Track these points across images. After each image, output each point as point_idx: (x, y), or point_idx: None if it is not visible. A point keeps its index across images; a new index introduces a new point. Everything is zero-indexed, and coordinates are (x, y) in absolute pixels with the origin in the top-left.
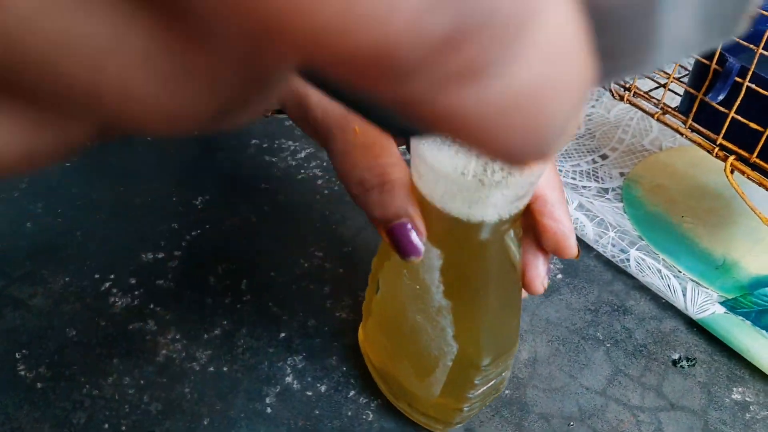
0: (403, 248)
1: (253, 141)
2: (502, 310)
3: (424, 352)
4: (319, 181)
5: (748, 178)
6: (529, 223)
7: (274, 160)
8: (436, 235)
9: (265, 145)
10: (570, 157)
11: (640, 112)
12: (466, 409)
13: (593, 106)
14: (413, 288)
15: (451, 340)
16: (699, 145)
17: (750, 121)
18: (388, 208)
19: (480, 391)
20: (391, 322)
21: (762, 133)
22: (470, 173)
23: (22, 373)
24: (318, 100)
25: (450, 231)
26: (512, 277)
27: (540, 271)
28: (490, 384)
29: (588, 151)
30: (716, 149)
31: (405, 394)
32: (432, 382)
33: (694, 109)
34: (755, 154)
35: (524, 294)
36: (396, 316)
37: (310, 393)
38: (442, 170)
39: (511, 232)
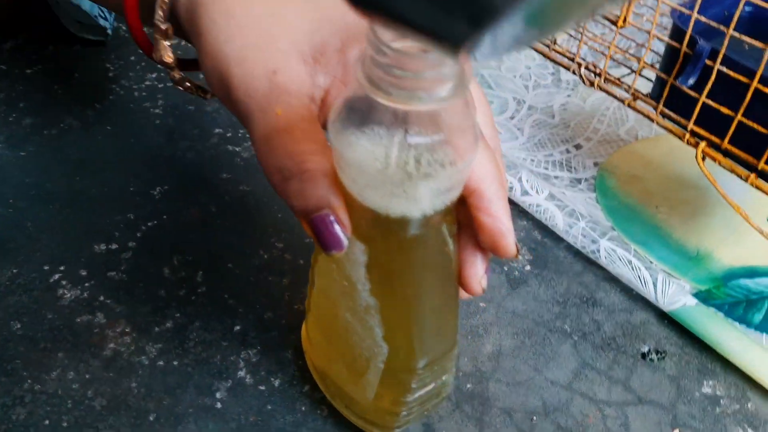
0: (324, 241)
1: (217, 130)
2: (436, 311)
3: (355, 353)
4: None
5: (719, 164)
6: (467, 219)
7: (237, 149)
8: (359, 229)
9: (228, 135)
10: (543, 147)
11: (616, 102)
12: (403, 413)
13: (569, 96)
14: (342, 284)
15: (381, 341)
16: (670, 131)
17: (721, 105)
18: (309, 199)
19: (417, 396)
20: (325, 319)
21: (733, 119)
22: (392, 164)
23: None
24: (240, 80)
25: (374, 225)
26: (446, 276)
27: (478, 270)
28: (428, 389)
29: (562, 141)
30: (687, 135)
31: (342, 395)
32: (365, 384)
33: (665, 95)
34: (726, 140)
35: (464, 295)
36: (328, 313)
37: (263, 387)
38: (361, 161)
39: (444, 228)
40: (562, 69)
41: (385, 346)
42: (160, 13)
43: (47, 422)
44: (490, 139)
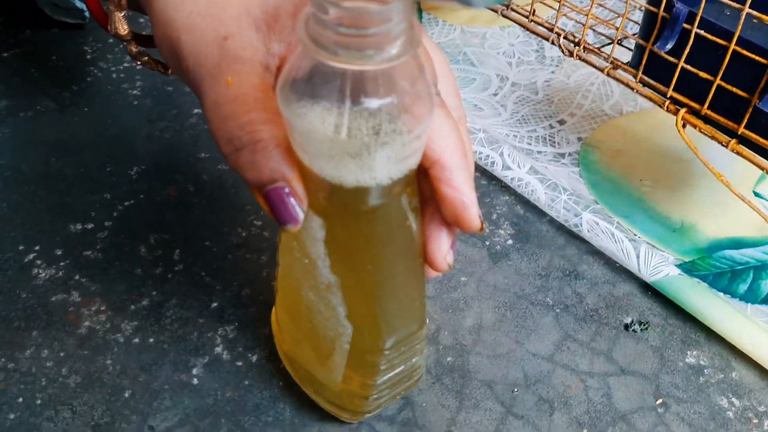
0: (279, 215)
1: (195, 111)
2: (399, 288)
3: (320, 334)
4: None
5: (699, 131)
6: (430, 193)
7: None
8: (316, 202)
9: None
10: (526, 123)
11: (601, 77)
12: (373, 397)
13: (553, 72)
14: (303, 262)
15: (345, 321)
16: (650, 99)
17: (700, 71)
18: (262, 171)
19: (386, 378)
20: (290, 300)
21: (712, 83)
22: (343, 131)
23: None
24: (190, 47)
25: (330, 198)
26: (408, 251)
27: (442, 246)
28: (398, 371)
29: (545, 117)
30: (667, 102)
31: (311, 380)
32: (332, 367)
33: (644, 62)
34: (706, 105)
35: (432, 273)
36: (293, 294)
37: (240, 363)
38: (311, 129)
39: (403, 200)
40: (546, 45)
41: (349, 326)
42: None
43: (20, 400)
44: (454, 108)
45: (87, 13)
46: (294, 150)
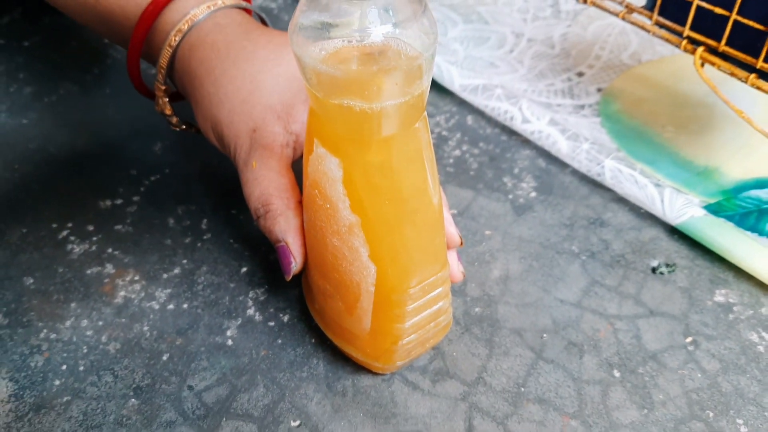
0: (281, 264)
1: None
2: (418, 224)
3: (346, 280)
4: None
5: (718, 69)
6: None
7: None
8: (332, 141)
9: None
10: (544, 77)
11: (617, 28)
12: (402, 343)
13: (569, 26)
14: (325, 209)
15: (368, 261)
16: (667, 40)
17: (715, 6)
18: (271, 234)
19: (414, 321)
20: (315, 251)
21: (728, 19)
22: (352, 60)
23: None
24: (230, 139)
25: (345, 133)
26: (424, 186)
27: (452, 262)
28: (424, 314)
29: (563, 70)
30: (684, 42)
31: (343, 333)
32: (360, 314)
33: (659, 2)
34: (723, 42)
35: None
36: (317, 244)
37: (272, 323)
38: (323, 61)
39: (416, 133)
40: (560, 0)
41: (372, 266)
42: (160, 77)
43: (64, 367)
44: None
45: None
46: (312, 94)
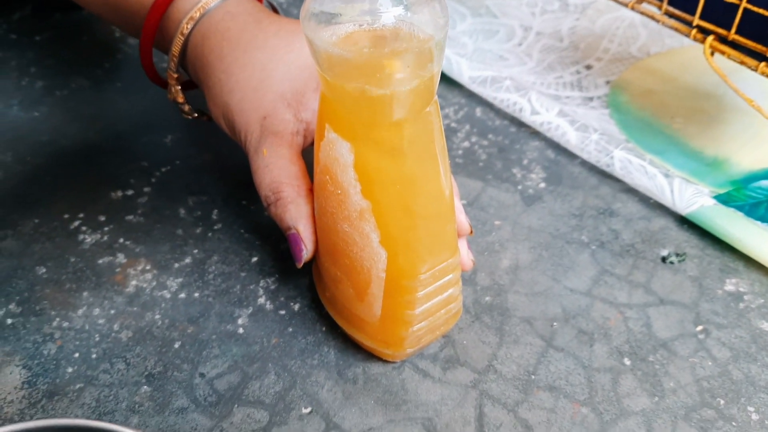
0: (292, 251)
1: None
2: (428, 210)
3: (357, 266)
4: None
5: (728, 57)
6: None
7: None
8: (343, 125)
9: None
10: (553, 70)
11: (626, 21)
12: (413, 329)
13: (577, 19)
14: (336, 195)
15: (378, 247)
16: (676, 30)
17: None
18: (282, 221)
19: (424, 308)
20: (326, 238)
21: (738, 7)
22: (363, 44)
23: None
24: (240, 126)
25: (356, 116)
26: (435, 172)
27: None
28: (435, 301)
29: (572, 63)
30: (694, 32)
31: (353, 319)
32: (371, 300)
33: None
34: (733, 30)
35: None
36: (328, 230)
37: (283, 312)
38: (334, 45)
39: (427, 118)
40: None
41: (383, 252)
42: (172, 65)
43: (77, 355)
44: None
45: None
46: (325, 80)
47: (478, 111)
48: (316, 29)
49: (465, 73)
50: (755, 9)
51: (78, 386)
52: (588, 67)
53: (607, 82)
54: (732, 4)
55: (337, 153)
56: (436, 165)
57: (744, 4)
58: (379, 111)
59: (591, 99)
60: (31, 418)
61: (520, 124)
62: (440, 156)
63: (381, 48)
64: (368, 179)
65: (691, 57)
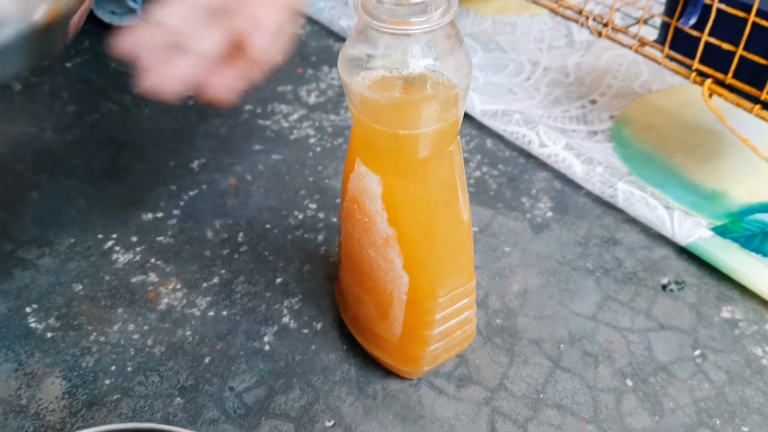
0: None
1: (247, 107)
2: (449, 238)
3: (380, 288)
4: (312, 140)
5: (725, 100)
6: None
7: (267, 123)
8: (374, 160)
9: (258, 111)
10: (559, 104)
11: (629, 58)
12: (430, 349)
13: (582, 56)
14: (363, 222)
15: (401, 271)
16: (677, 72)
17: (723, 42)
18: None
19: (441, 329)
20: (351, 261)
21: (735, 54)
22: (396, 89)
23: (33, 325)
24: None
25: (387, 153)
26: (455, 203)
27: None
28: (451, 323)
29: (577, 98)
30: (693, 75)
31: (373, 338)
32: (392, 320)
33: (669, 37)
34: (730, 75)
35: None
36: (354, 255)
37: (306, 331)
38: (369, 90)
39: (450, 156)
40: (574, 30)
41: (405, 276)
42: None
43: (113, 368)
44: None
45: (139, 11)
46: (353, 113)
47: (489, 142)
48: (351, 72)
49: (477, 106)
50: (751, 56)
51: (115, 397)
52: (593, 102)
53: (611, 117)
54: (729, 50)
55: (366, 184)
56: (456, 198)
57: (740, 51)
58: (407, 149)
59: (596, 133)
60: (72, 427)
61: (528, 156)
62: (461, 189)
63: (411, 94)
64: (395, 209)
65: (690, 94)
